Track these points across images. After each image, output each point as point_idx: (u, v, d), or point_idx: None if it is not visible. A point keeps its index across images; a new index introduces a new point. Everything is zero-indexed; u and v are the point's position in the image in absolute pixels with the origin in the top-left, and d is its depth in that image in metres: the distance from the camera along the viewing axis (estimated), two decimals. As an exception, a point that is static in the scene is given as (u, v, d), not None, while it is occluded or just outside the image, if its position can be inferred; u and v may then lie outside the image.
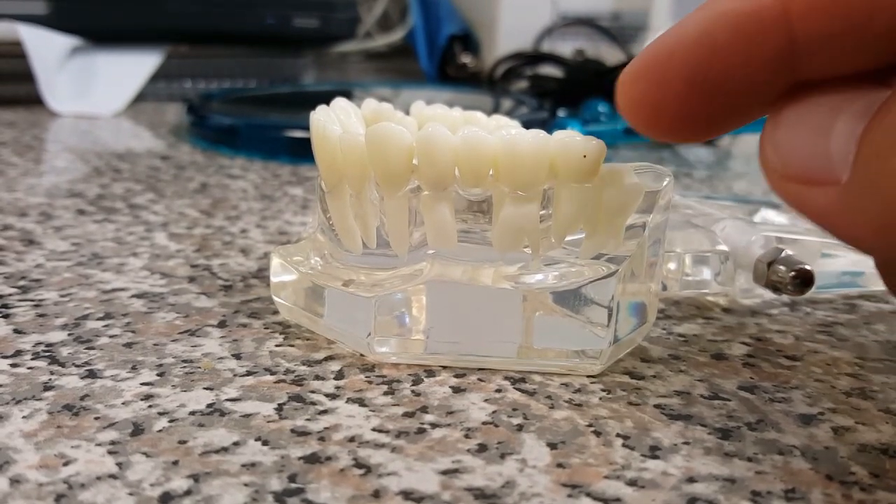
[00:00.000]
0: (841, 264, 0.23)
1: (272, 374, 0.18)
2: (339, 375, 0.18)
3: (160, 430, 0.15)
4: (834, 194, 0.13)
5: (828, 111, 0.13)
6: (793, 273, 0.20)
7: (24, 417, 0.16)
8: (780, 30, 0.13)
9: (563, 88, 0.51)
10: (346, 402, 0.17)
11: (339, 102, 0.21)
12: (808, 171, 0.13)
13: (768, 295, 0.22)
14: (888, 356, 0.20)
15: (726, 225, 0.22)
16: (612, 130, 0.41)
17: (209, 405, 0.16)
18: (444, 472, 0.14)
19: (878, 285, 0.24)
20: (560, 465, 0.15)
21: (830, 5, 0.13)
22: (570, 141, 0.17)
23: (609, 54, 0.59)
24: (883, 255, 0.14)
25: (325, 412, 0.16)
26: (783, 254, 0.20)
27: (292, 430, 0.15)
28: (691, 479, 0.14)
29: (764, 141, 0.14)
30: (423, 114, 0.22)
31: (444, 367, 0.18)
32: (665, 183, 0.18)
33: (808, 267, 0.20)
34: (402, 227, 0.18)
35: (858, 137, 0.13)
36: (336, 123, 0.19)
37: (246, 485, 0.14)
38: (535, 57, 0.56)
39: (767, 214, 0.25)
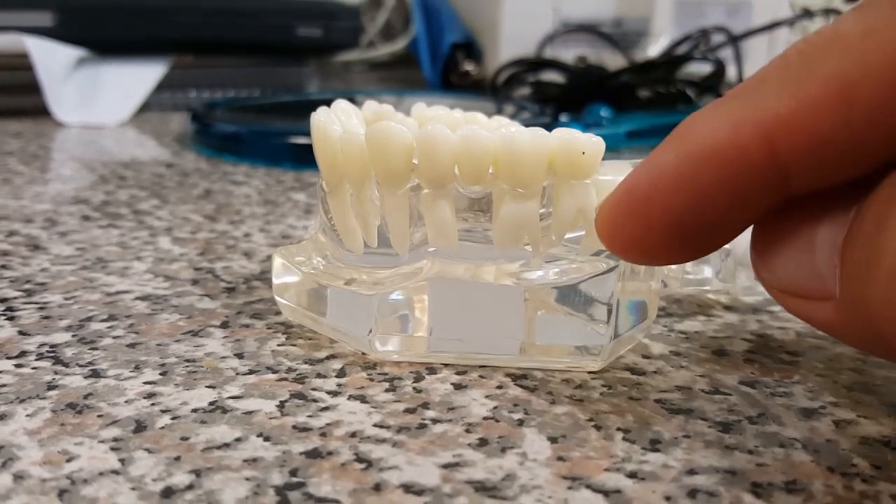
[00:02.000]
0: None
1: (274, 372, 0.18)
2: (341, 373, 0.18)
3: (162, 427, 0.15)
4: (831, 309, 0.13)
5: (809, 225, 0.13)
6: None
7: (27, 416, 0.16)
8: (766, 165, 0.12)
9: (565, 94, 0.51)
10: (348, 398, 0.17)
11: (340, 104, 0.21)
12: (802, 288, 0.13)
13: (770, 292, 0.22)
14: (890, 351, 0.20)
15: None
16: (614, 134, 0.41)
17: (211, 403, 0.16)
18: (445, 466, 0.14)
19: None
20: (560, 459, 0.15)
21: (816, 137, 0.12)
22: (570, 138, 0.17)
23: (611, 60, 0.60)
24: (888, 359, 0.14)
25: (326, 409, 0.16)
26: (784, 250, 0.20)
27: (294, 427, 0.15)
28: (692, 472, 0.14)
29: (754, 259, 0.14)
30: (423, 115, 0.22)
31: (446, 365, 0.18)
32: (664, 179, 0.18)
33: (808, 263, 0.20)
34: (403, 225, 0.18)
35: (840, 252, 0.12)
36: (337, 124, 0.19)
37: (247, 479, 0.14)
38: (537, 63, 0.56)
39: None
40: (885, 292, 0.11)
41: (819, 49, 0.12)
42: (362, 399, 0.17)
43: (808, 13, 0.58)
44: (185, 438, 0.15)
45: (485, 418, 0.16)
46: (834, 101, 0.12)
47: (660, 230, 0.14)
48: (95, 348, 0.19)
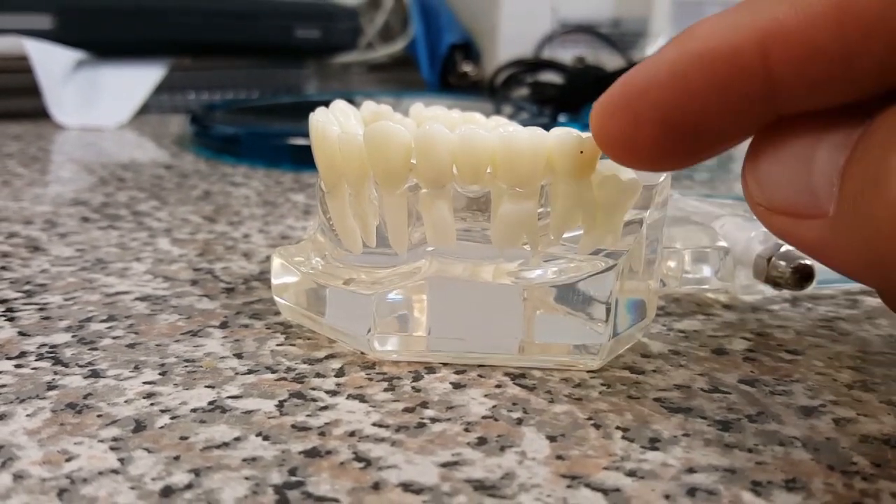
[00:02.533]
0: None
1: (273, 372, 0.18)
2: (340, 373, 0.18)
3: (162, 427, 0.15)
4: (821, 227, 0.13)
5: (808, 143, 0.13)
6: (793, 268, 0.20)
7: (27, 416, 0.16)
8: (757, 71, 0.12)
9: (563, 95, 0.51)
10: (347, 398, 0.17)
11: (339, 104, 0.21)
12: (794, 205, 0.13)
13: (769, 291, 0.22)
14: (890, 350, 0.20)
15: (726, 221, 0.22)
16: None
17: (210, 402, 0.16)
18: (444, 465, 0.14)
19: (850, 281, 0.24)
20: (559, 457, 0.15)
21: (810, 48, 0.12)
22: (567, 137, 0.17)
23: (609, 61, 0.60)
24: (877, 285, 0.14)
25: (325, 408, 0.16)
26: (783, 249, 0.21)
27: (293, 426, 0.15)
28: (691, 470, 0.14)
29: (745, 174, 0.14)
30: (421, 115, 0.22)
31: (445, 364, 0.18)
32: (662, 178, 0.18)
33: (808, 262, 0.20)
34: (402, 225, 0.18)
35: (840, 171, 0.12)
36: (335, 124, 0.19)
37: (247, 478, 0.14)
38: (535, 64, 0.56)
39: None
40: (890, 211, 0.11)
41: None
42: (361, 398, 0.17)
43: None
44: (184, 438, 0.15)
45: (484, 417, 0.16)
46: (832, 13, 0.12)
47: (648, 126, 0.14)
48: (95, 349, 0.19)
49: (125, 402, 0.16)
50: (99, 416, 0.16)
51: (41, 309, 0.21)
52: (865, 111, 0.12)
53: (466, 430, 0.16)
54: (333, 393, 0.17)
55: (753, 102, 0.13)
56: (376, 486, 0.14)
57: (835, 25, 0.12)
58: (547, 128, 0.17)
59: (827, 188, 0.12)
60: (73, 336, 0.19)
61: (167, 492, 0.13)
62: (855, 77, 0.12)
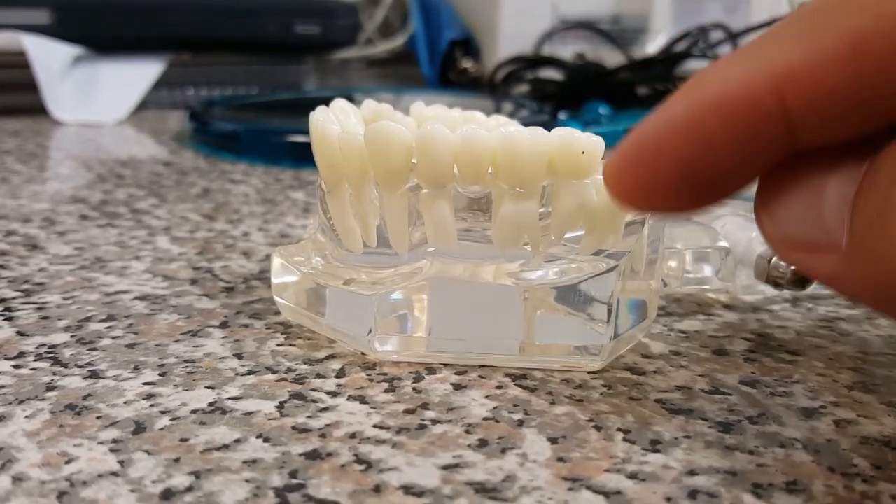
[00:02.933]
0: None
1: (273, 373, 0.18)
2: (341, 374, 0.18)
3: (162, 429, 0.15)
4: (835, 261, 0.13)
5: (817, 178, 0.13)
6: (793, 269, 0.20)
7: (26, 417, 0.16)
8: (774, 115, 0.12)
9: (563, 91, 0.51)
10: (347, 399, 0.17)
11: (339, 103, 0.21)
12: (807, 240, 0.13)
13: (770, 291, 0.22)
14: (891, 350, 0.20)
15: (727, 221, 0.22)
16: (613, 132, 0.41)
17: (210, 404, 0.16)
18: (445, 467, 0.14)
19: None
20: (561, 460, 0.15)
21: (826, 89, 0.12)
22: (569, 137, 0.17)
23: (609, 57, 0.59)
24: (892, 315, 0.14)
25: (326, 409, 0.16)
26: (784, 249, 0.20)
27: (293, 428, 0.15)
28: (692, 472, 0.14)
29: (758, 209, 0.14)
30: (422, 114, 0.22)
31: (446, 365, 0.18)
32: (664, 178, 0.18)
33: (808, 262, 0.20)
34: (402, 225, 0.18)
35: (850, 204, 0.12)
36: (335, 123, 0.19)
37: (247, 481, 0.14)
38: (535, 61, 0.56)
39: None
40: None
41: (834, 5, 0.12)
42: (362, 399, 0.17)
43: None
44: (184, 440, 0.15)
45: (485, 419, 0.16)
46: (846, 54, 0.12)
47: (667, 179, 0.14)
48: (94, 349, 0.19)
49: (125, 403, 0.16)
50: (98, 417, 0.16)
51: (40, 308, 0.21)
52: (872, 144, 0.12)
53: (467, 431, 0.15)
54: (334, 394, 0.17)
55: (771, 143, 0.13)
56: (377, 489, 0.14)
57: (849, 66, 0.12)
58: (547, 124, 0.17)
59: (838, 222, 0.12)
60: (71, 336, 0.19)
61: (167, 494, 0.13)
62: (870, 112, 0.12)
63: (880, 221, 0.12)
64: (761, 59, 0.13)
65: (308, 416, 0.16)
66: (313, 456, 0.15)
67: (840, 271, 0.13)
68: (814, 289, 0.21)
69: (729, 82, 0.13)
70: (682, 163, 0.13)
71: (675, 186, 0.14)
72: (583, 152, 0.17)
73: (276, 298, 0.20)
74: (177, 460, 0.14)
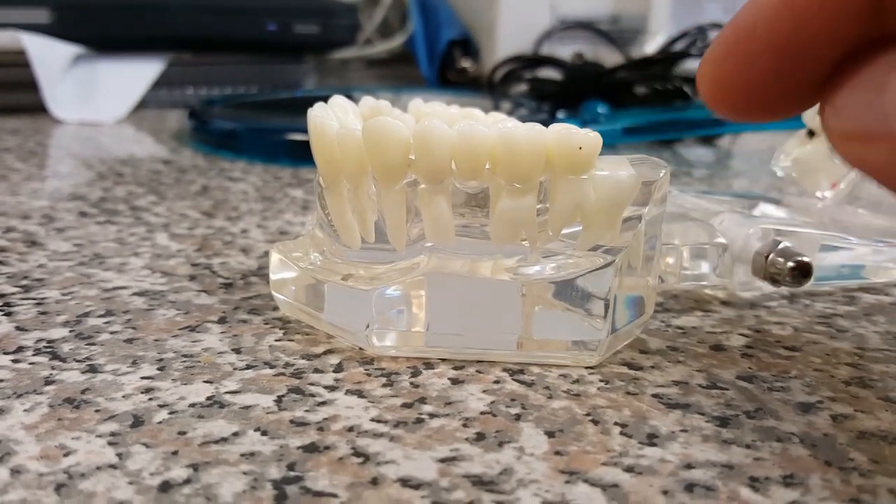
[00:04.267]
0: (840, 257, 0.23)
1: (271, 367, 0.18)
2: (339, 368, 0.18)
3: (160, 422, 0.15)
4: (890, 150, 0.13)
5: (882, 69, 0.13)
6: (791, 265, 0.20)
7: (25, 411, 0.16)
8: None
9: (562, 91, 0.51)
10: (345, 393, 0.17)
11: (337, 100, 0.21)
12: (867, 129, 0.13)
13: (767, 287, 0.22)
14: (888, 346, 0.20)
15: (724, 218, 0.22)
16: (612, 131, 0.41)
17: (209, 398, 0.16)
18: (442, 460, 0.14)
19: (878, 278, 0.24)
20: (558, 453, 0.15)
21: None
22: (567, 133, 0.17)
23: (608, 57, 0.59)
24: None
25: (323, 403, 0.16)
26: (781, 246, 0.21)
27: (291, 421, 0.15)
28: (689, 466, 0.14)
29: (822, 103, 0.14)
30: (420, 110, 0.22)
31: (443, 360, 0.18)
32: (661, 174, 0.18)
33: (806, 259, 0.20)
34: (400, 221, 0.18)
35: None
36: (334, 120, 0.19)
37: (245, 473, 0.14)
38: (534, 60, 0.56)
39: (766, 209, 0.25)
40: None
41: None
42: (360, 394, 0.17)
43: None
44: (182, 433, 0.15)
45: (482, 413, 0.16)
46: None
47: (765, 62, 0.14)
48: (93, 344, 0.19)
49: (123, 397, 0.16)
50: (97, 411, 0.16)
51: (38, 304, 0.21)
52: None
53: (465, 425, 0.16)
54: (332, 388, 0.17)
55: (862, 16, 0.13)
56: (375, 481, 0.14)
57: None
58: (546, 123, 0.17)
59: None
60: (70, 331, 0.19)
61: (165, 487, 0.13)
62: None
63: None
64: None
65: (306, 410, 0.16)
66: (311, 449, 0.15)
67: (893, 163, 0.13)
68: (811, 285, 0.21)
69: None
70: (778, 41, 0.13)
71: (773, 69, 0.14)
72: (580, 148, 0.17)
73: (275, 294, 0.20)
74: (175, 453, 0.14)
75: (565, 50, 0.61)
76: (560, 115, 0.45)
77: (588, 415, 0.16)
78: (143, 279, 0.23)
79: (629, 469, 0.14)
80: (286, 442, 0.15)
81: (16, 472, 0.14)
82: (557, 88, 0.52)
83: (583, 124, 0.42)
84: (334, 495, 0.13)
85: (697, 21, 0.59)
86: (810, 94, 0.14)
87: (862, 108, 0.13)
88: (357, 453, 0.14)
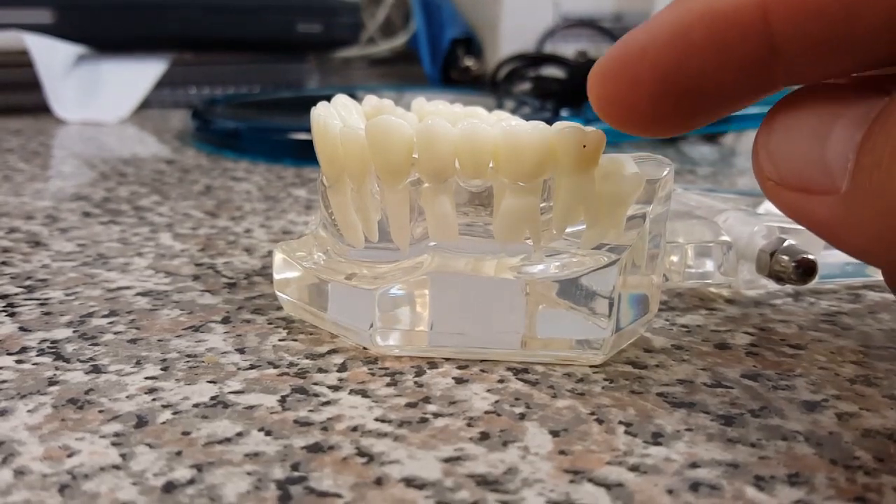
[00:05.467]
0: (845, 255, 0.23)
1: (275, 367, 0.18)
2: (342, 368, 0.18)
3: (164, 422, 0.15)
4: (833, 204, 0.12)
5: (824, 117, 0.13)
6: (795, 263, 0.20)
7: (28, 411, 0.16)
8: (758, 31, 0.12)
9: (565, 89, 0.51)
10: (349, 393, 0.17)
11: (340, 98, 0.21)
12: (805, 180, 0.13)
13: (772, 285, 0.22)
14: (893, 344, 0.20)
15: (729, 216, 0.22)
16: (615, 129, 0.41)
17: (213, 398, 0.16)
18: (447, 460, 0.14)
19: (859, 264, 0.23)
20: (562, 452, 0.15)
21: (810, 6, 0.12)
22: (570, 131, 0.17)
23: (612, 55, 0.59)
24: (890, 266, 0.13)
25: (327, 403, 0.16)
26: (786, 244, 0.20)
27: (295, 421, 0.15)
28: (694, 465, 0.14)
29: (757, 147, 0.14)
30: (423, 109, 0.22)
31: (447, 360, 0.18)
32: (665, 172, 0.18)
33: (811, 256, 0.20)
34: (403, 220, 0.18)
35: (857, 145, 0.12)
36: (337, 118, 0.19)
37: (249, 473, 0.14)
38: (537, 59, 0.56)
39: (770, 207, 0.25)
40: None
41: None
42: (363, 393, 0.17)
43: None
44: (186, 433, 0.15)
45: (486, 412, 0.16)
46: None
47: (648, 86, 0.13)
48: (96, 344, 0.19)
49: (127, 397, 0.16)
50: (100, 411, 0.16)
51: (42, 304, 0.21)
52: (885, 88, 0.12)
53: (469, 424, 0.15)
54: (336, 388, 0.17)
55: (754, 63, 0.13)
56: (379, 481, 0.14)
57: None
58: (549, 122, 0.17)
59: (841, 163, 0.12)
60: (74, 331, 0.19)
61: (169, 487, 0.13)
62: (858, 41, 0.12)
63: (890, 159, 0.11)
64: None
65: (310, 410, 0.16)
66: (315, 449, 0.15)
67: (836, 215, 0.12)
68: (816, 283, 0.21)
69: None
70: (663, 69, 0.13)
71: (655, 95, 0.13)
72: (584, 146, 0.17)
73: (278, 294, 0.20)
74: (179, 453, 0.14)
75: (568, 48, 0.61)
76: (563, 113, 0.45)
77: (592, 414, 0.16)
78: (147, 279, 0.23)
79: (634, 468, 0.14)
80: (290, 442, 0.15)
81: (19, 472, 0.14)
82: (561, 87, 0.52)
83: (586, 122, 0.42)
84: (338, 495, 0.13)
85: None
86: (706, 119, 0.14)
87: (800, 159, 0.13)
88: (361, 453, 0.14)
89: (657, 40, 0.13)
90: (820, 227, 0.13)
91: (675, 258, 0.21)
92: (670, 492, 0.13)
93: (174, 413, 0.16)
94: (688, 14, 0.13)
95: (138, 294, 0.22)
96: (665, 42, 0.13)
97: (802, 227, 0.21)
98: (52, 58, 0.51)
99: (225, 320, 0.20)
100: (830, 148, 0.13)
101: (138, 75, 0.54)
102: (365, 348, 0.19)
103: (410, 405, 0.16)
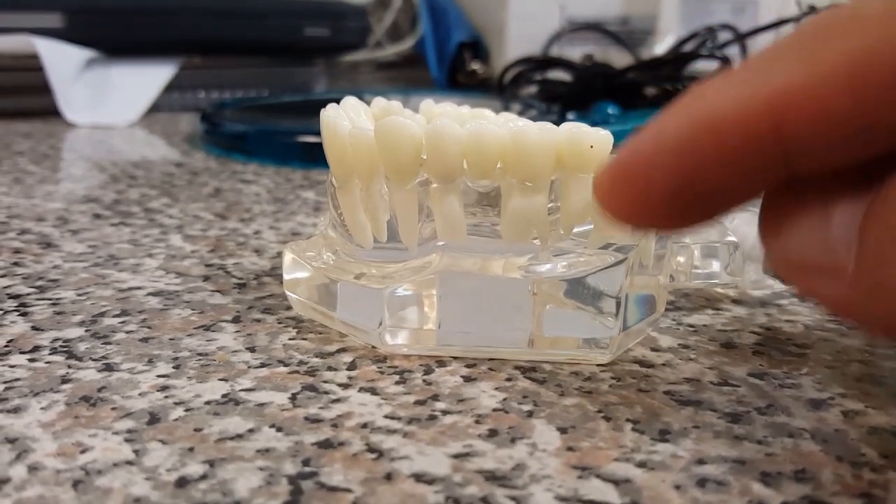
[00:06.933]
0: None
1: (286, 365, 0.18)
2: (352, 366, 0.18)
3: (176, 419, 0.15)
4: (842, 286, 0.12)
5: (824, 202, 0.13)
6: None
7: (42, 409, 0.16)
8: (769, 139, 0.12)
9: (572, 93, 0.51)
10: (359, 391, 0.17)
11: (349, 101, 0.21)
12: (813, 264, 0.13)
13: (778, 286, 0.22)
14: (899, 344, 0.20)
15: (735, 216, 0.22)
16: (622, 132, 0.41)
17: (224, 395, 0.16)
18: (456, 456, 0.14)
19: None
20: (570, 449, 0.15)
21: (823, 113, 0.12)
22: (578, 132, 0.17)
23: (618, 58, 0.60)
24: None
25: (337, 401, 0.16)
26: (792, 244, 0.21)
27: (306, 418, 0.16)
28: (701, 461, 0.14)
29: (763, 231, 0.14)
30: (432, 111, 0.23)
31: (455, 358, 0.18)
32: (672, 172, 0.18)
33: (816, 256, 0.20)
34: (412, 220, 0.18)
35: (858, 227, 0.12)
36: (346, 120, 0.19)
37: (261, 469, 0.14)
38: (544, 62, 0.56)
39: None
40: None
41: (835, 25, 0.12)
42: (373, 391, 0.17)
43: (814, 10, 0.58)
44: (198, 429, 0.15)
45: (494, 410, 0.16)
46: (846, 78, 0.11)
47: (659, 195, 0.13)
48: (108, 343, 0.19)
49: (139, 394, 0.16)
50: (113, 408, 0.16)
51: (54, 304, 0.21)
52: (882, 167, 0.12)
53: (477, 422, 0.16)
54: (345, 386, 0.17)
55: (766, 168, 0.13)
56: (389, 477, 0.14)
57: (848, 91, 0.11)
58: (556, 124, 0.17)
59: (845, 246, 0.12)
60: (86, 330, 0.20)
61: (182, 483, 0.14)
62: (869, 138, 0.12)
63: (887, 249, 0.11)
64: (759, 81, 0.12)
65: (320, 407, 0.16)
66: (326, 445, 0.15)
67: (847, 297, 0.12)
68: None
69: (725, 103, 0.12)
70: (674, 181, 0.13)
71: (665, 204, 0.13)
72: (591, 146, 0.17)
73: (288, 293, 0.20)
74: (191, 449, 0.14)
75: (575, 51, 0.62)
76: (570, 116, 0.45)
77: (600, 411, 0.16)
78: (158, 280, 0.23)
79: (641, 465, 0.14)
80: (301, 438, 0.15)
81: (33, 468, 0.14)
82: (567, 90, 0.52)
83: (593, 125, 0.42)
84: (349, 490, 0.13)
85: (707, 22, 0.59)
86: (721, 215, 0.14)
87: (806, 244, 0.13)
88: (371, 449, 0.15)
89: (664, 151, 0.13)
90: (835, 306, 0.13)
91: (681, 258, 0.21)
92: (677, 487, 0.14)
93: (186, 410, 0.16)
94: (694, 124, 0.13)
95: (149, 294, 0.22)
96: (673, 154, 0.13)
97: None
98: (62, 62, 0.52)
99: (235, 320, 0.20)
100: (833, 231, 0.13)
101: (148, 79, 0.54)
102: (374, 347, 0.19)
103: (419, 403, 0.16)
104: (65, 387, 0.17)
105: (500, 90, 0.56)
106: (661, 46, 0.64)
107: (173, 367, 0.18)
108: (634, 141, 0.14)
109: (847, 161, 0.12)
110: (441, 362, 0.18)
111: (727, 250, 0.21)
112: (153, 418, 0.16)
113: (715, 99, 0.13)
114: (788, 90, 0.12)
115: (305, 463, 0.14)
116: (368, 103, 0.23)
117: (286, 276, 0.20)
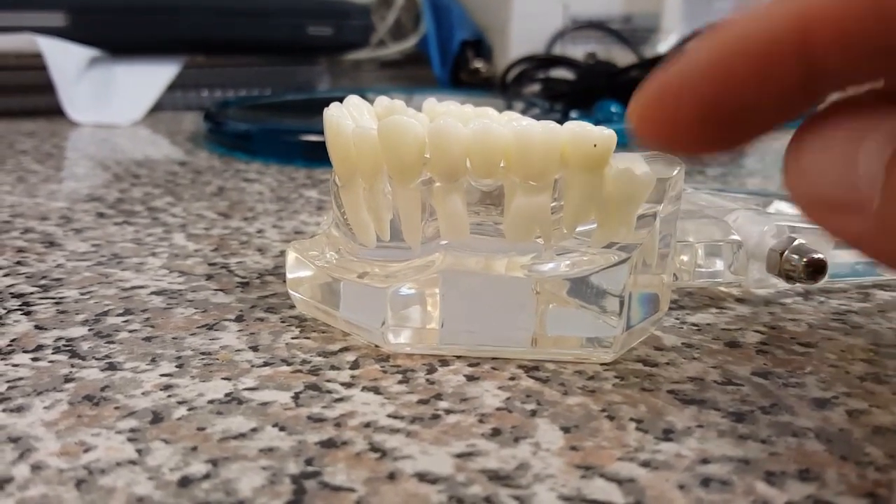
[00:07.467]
0: (854, 254, 0.23)
1: (289, 364, 0.18)
2: (355, 365, 0.18)
3: (179, 418, 0.15)
4: (865, 220, 0.12)
5: (852, 136, 0.13)
6: (805, 262, 0.20)
7: (45, 408, 0.16)
8: (798, 57, 0.12)
9: (575, 91, 0.51)
10: (362, 390, 0.17)
11: (353, 99, 0.21)
12: (836, 198, 0.13)
13: (781, 284, 0.22)
14: (903, 343, 0.20)
15: (739, 215, 0.22)
16: (625, 130, 0.41)
17: (227, 394, 0.16)
18: (459, 456, 0.14)
19: (892, 274, 0.23)
20: (573, 448, 0.15)
21: (850, 28, 0.12)
22: (581, 131, 0.17)
23: (621, 57, 0.59)
24: None
25: (340, 400, 0.16)
26: (796, 243, 0.21)
27: (309, 417, 0.16)
28: (705, 461, 0.14)
29: (788, 166, 0.14)
30: (435, 110, 0.22)
31: (458, 357, 0.18)
32: (676, 171, 0.18)
33: (820, 256, 0.20)
34: (415, 219, 0.18)
35: (886, 162, 0.12)
36: (349, 119, 0.19)
37: (264, 468, 0.14)
38: (547, 61, 0.56)
39: (780, 206, 0.25)
40: None
41: None
42: (376, 390, 0.17)
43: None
44: (201, 429, 0.15)
45: (498, 409, 0.16)
46: None
47: (689, 117, 0.14)
48: (112, 342, 0.19)
49: (142, 394, 0.16)
50: (116, 407, 0.16)
51: (57, 303, 0.21)
52: None
53: (481, 421, 0.16)
54: (348, 385, 0.17)
55: (795, 88, 0.13)
56: (392, 476, 0.14)
57: (873, 5, 0.12)
58: (559, 123, 0.17)
59: (871, 180, 0.12)
60: (89, 329, 0.20)
61: (185, 482, 0.14)
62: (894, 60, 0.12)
63: None
64: (785, 1, 0.12)
65: (323, 406, 0.16)
66: (329, 444, 0.15)
67: (868, 231, 0.12)
68: (825, 282, 0.21)
69: (753, 23, 0.13)
70: (704, 101, 0.13)
71: (696, 125, 0.14)
72: (595, 145, 0.17)
73: (291, 292, 0.20)
74: (194, 449, 0.14)
75: (578, 50, 0.61)
76: (573, 114, 0.45)
77: (603, 411, 0.16)
78: (161, 278, 0.23)
79: (645, 464, 0.14)
80: (304, 437, 0.15)
81: (36, 468, 0.14)
82: (570, 88, 0.52)
83: (596, 124, 0.42)
84: (352, 490, 0.13)
85: (709, 20, 0.59)
86: (750, 139, 0.14)
87: (830, 176, 0.13)
88: (374, 448, 0.15)
89: (695, 71, 0.13)
90: (853, 241, 0.13)
91: (685, 257, 0.21)
92: (681, 487, 0.14)
93: (189, 409, 0.16)
94: (725, 45, 0.13)
95: (153, 293, 0.22)
96: (702, 74, 0.13)
97: (812, 226, 0.21)
98: (66, 60, 0.52)
99: (238, 319, 0.20)
100: (860, 165, 0.13)
101: (151, 78, 0.54)
102: (377, 346, 0.19)
103: (422, 402, 0.16)
104: (68, 386, 0.17)
105: (503, 89, 0.56)
106: (664, 45, 0.64)
107: (176, 367, 0.18)
108: (666, 65, 0.14)
109: (877, 76, 0.12)
110: (444, 361, 0.18)
111: (731, 249, 0.21)
112: (156, 417, 0.16)
113: (743, 21, 0.13)
114: (814, 5, 0.12)
115: (308, 462, 0.14)
116: (371, 102, 0.23)
117: (289, 275, 0.20)
